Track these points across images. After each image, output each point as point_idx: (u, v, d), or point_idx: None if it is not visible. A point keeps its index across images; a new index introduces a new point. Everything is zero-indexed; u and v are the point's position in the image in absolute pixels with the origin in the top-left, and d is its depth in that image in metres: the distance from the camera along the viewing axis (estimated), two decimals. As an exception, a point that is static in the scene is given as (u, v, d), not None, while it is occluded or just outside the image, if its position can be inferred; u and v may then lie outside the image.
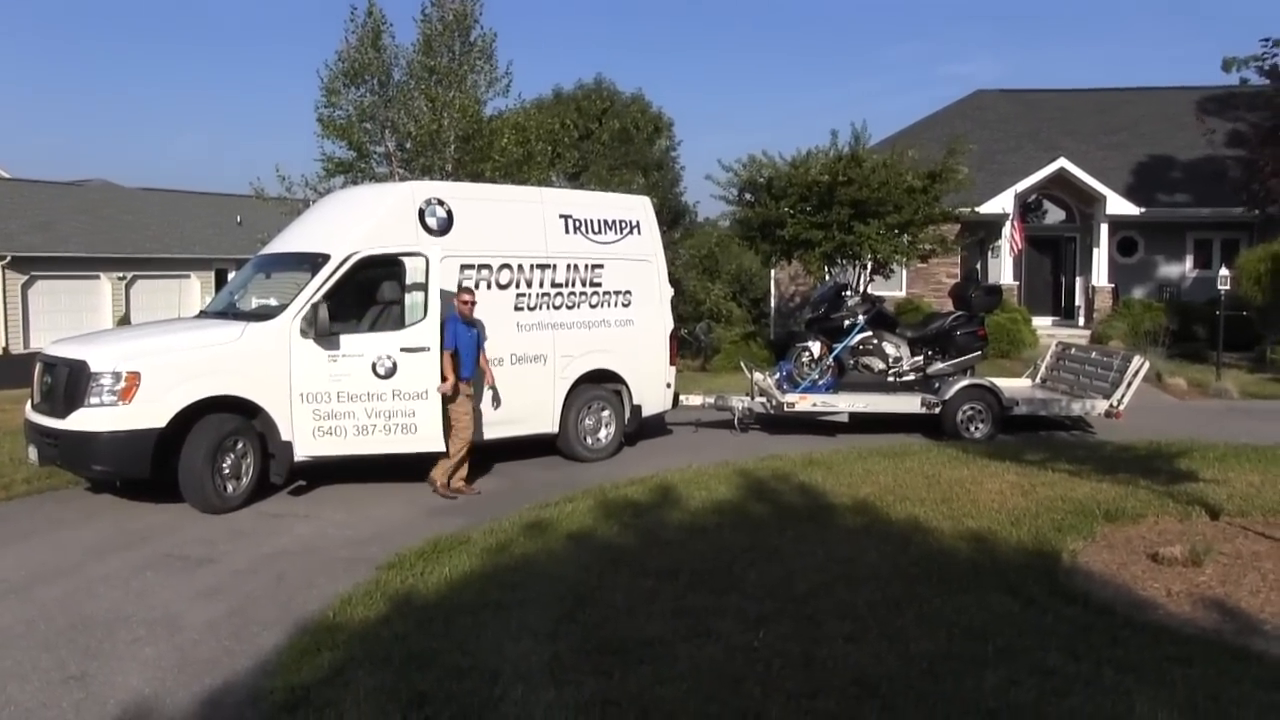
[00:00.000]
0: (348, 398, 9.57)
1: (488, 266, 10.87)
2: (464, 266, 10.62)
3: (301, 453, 9.54)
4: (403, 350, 9.64)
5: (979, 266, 25.21)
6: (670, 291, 12.85)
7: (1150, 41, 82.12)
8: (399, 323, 9.88)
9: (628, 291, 12.12)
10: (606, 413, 11.88)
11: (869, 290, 14.16)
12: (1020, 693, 4.98)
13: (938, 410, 12.98)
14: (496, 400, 10.70)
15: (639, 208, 12.56)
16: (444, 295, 9.91)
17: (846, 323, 13.61)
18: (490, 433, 10.79)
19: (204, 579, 7.23)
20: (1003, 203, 24.24)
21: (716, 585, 6.76)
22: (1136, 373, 12.95)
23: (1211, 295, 24.96)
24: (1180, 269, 26.54)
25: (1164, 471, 10.50)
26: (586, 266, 11.74)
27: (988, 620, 6.02)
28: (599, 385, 11.83)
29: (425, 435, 9.72)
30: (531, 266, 11.24)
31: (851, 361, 13.78)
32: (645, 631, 5.87)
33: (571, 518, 8.70)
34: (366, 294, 10.21)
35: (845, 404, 13.15)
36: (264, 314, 9.94)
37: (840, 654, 5.50)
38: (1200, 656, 5.50)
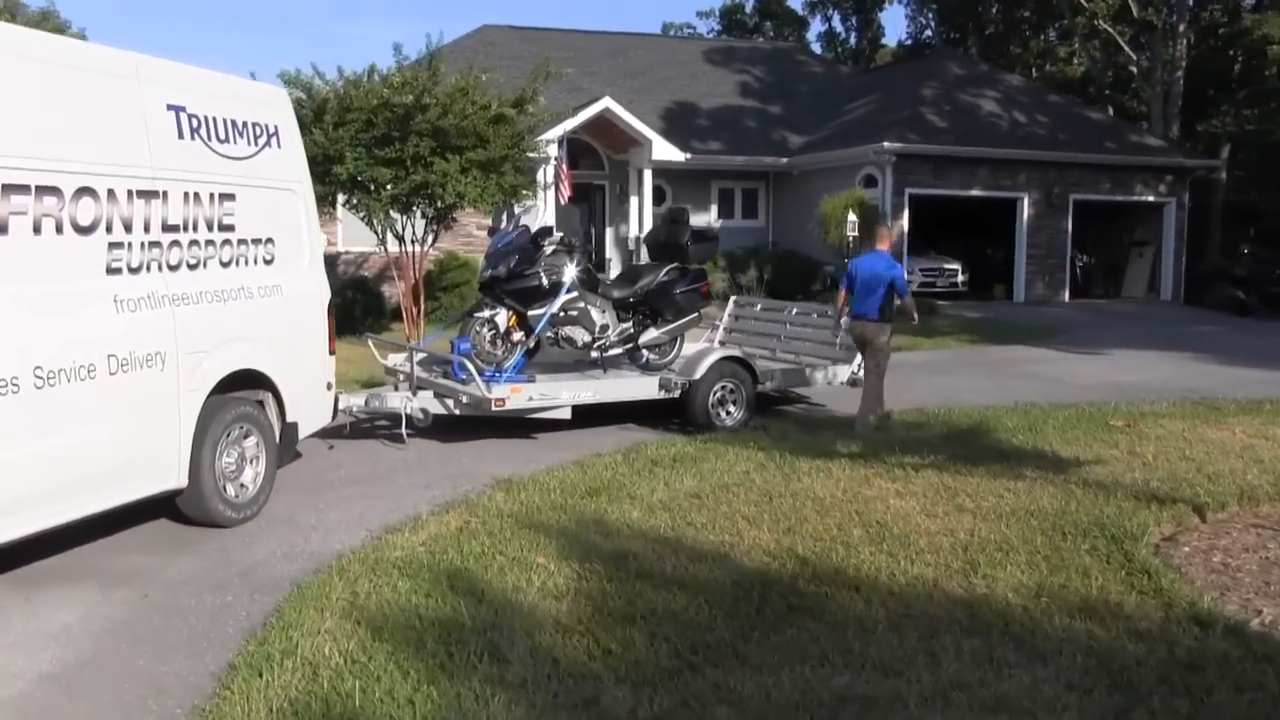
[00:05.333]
0: None
1: (54, 191, 5.62)
2: (7, 188, 5.39)
3: None
4: None
5: (518, 214, 22.33)
6: (324, 241, 8.29)
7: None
8: None
9: (269, 240, 7.41)
10: (252, 440, 7.11)
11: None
12: None
13: (678, 393, 9.88)
14: (76, 447, 5.74)
15: (275, 103, 7.70)
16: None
17: (548, 281, 9.83)
18: (69, 509, 5.77)
19: None
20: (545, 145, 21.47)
21: None
22: (876, 331, 10.83)
23: (745, 244, 24.65)
24: (706, 219, 25.82)
25: (1014, 455, 8.44)
26: (213, 198, 6.84)
27: None
28: (239, 397, 7.10)
29: None
30: (131, 195, 6.17)
31: (551, 334, 10.08)
32: None
33: (364, 696, 4.36)
34: None
35: (569, 394, 9.51)
36: None
37: None
38: None
